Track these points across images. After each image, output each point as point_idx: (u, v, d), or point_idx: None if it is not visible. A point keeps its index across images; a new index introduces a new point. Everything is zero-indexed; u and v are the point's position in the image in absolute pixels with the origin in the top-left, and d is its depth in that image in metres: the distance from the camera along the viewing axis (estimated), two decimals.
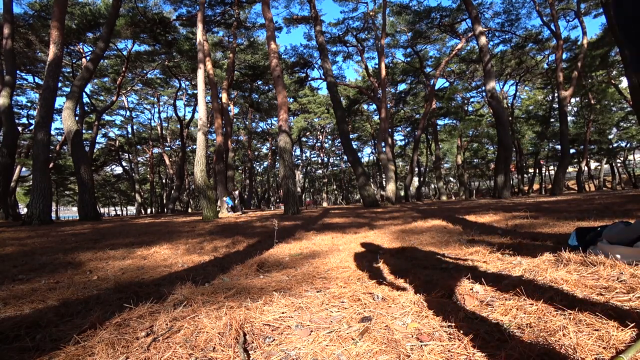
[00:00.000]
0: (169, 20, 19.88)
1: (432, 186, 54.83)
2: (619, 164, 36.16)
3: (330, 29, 24.03)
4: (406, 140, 40.57)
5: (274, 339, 1.18)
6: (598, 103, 26.70)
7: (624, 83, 24.51)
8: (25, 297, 1.85)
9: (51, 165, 19.57)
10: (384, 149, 18.48)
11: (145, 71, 25.93)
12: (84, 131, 21.64)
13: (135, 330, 1.27)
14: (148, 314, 1.43)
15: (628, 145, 33.19)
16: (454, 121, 31.10)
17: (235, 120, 33.42)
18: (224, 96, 18.07)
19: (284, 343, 1.15)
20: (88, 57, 18.07)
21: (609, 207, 5.26)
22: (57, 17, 11.14)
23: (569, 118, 28.05)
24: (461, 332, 1.11)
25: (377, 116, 29.11)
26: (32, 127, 22.71)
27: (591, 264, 1.78)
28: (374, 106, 30.54)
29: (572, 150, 29.67)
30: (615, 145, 32.61)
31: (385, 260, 2.32)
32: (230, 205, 16.18)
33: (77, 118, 16.29)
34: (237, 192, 17.45)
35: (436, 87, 24.79)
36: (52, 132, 23.00)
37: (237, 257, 3.01)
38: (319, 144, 43.64)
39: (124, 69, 20.79)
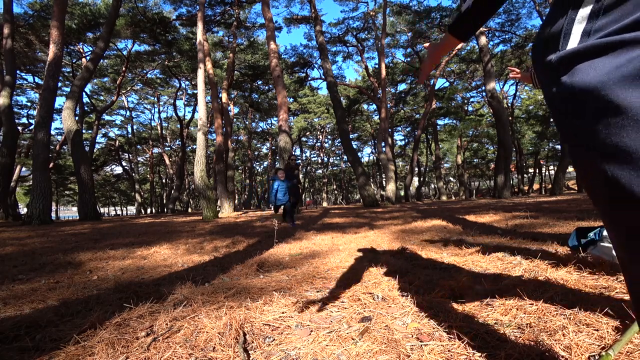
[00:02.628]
0: (169, 20, 19.89)
1: (432, 186, 54.82)
2: None
3: (330, 29, 24.05)
4: (406, 140, 40.58)
5: (274, 339, 1.18)
6: None
7: None
8: (25, 297, 1.85)
9: (51, 165, 19.55)
10: (384, 149, 18.48)
11: (145, 71, 25.93)
12: (84, 131, 21.63)
13: (135, 330, 1.27)
14: (148, 314, 1.43)
15: None
16: (454, 121, 31.08)
17: (235, 120, 33.42)
18: (224, 96, 18.07)
19: (284, 343, 1.15)
20: (88, 57, 18.06)
21: None
22: (57, 17, 11.14)
23: None
24: (461, 332, 1.11)
25: (377, 116, 29.14)
26: (32, 127, 22.70)
27: (591, 264, 1.78)
28: (374, 106, 30.56)
29: None
30: None
31: (385, 260, 2.32)
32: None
33: (77, 118, 16.29)
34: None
35: (436, 87, 24.79)
36: (52, 132, 23.02)
37: (237, 257, 3.01)
38: (319, 144, 43.66)
39: (124, 68, 20.79)
